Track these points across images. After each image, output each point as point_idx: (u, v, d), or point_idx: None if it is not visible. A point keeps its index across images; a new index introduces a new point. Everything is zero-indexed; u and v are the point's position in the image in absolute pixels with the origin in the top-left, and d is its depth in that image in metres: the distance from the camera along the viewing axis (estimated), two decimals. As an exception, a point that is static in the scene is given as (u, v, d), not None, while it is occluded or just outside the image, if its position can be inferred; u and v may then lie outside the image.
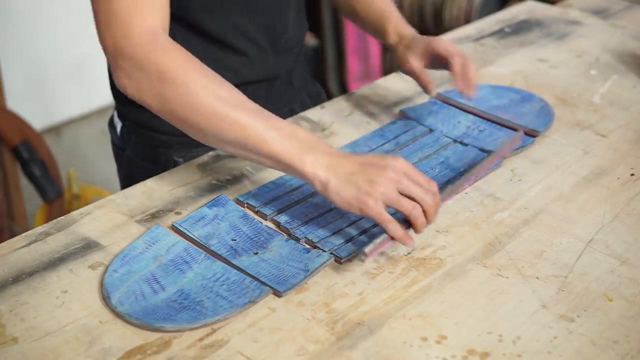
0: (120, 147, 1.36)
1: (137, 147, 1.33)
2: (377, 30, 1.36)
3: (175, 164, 1.29)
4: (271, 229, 1.07)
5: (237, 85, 1.11)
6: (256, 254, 1.02)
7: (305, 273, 0.98)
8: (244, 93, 1.07)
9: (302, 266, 0.99)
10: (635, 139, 1.30)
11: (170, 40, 1.03)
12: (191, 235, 1.04)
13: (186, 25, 1.21)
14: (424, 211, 0.97)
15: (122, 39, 1.01)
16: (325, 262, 1.00)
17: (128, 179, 1.33)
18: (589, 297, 0.96)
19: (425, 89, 1.29)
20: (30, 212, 2.74)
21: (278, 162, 0.99)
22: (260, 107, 1.01)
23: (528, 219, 1.10)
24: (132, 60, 1.00)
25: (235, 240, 1.04)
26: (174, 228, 1.06)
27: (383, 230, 1.05)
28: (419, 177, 0.97)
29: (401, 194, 0.96)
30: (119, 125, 1.35)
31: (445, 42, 1.26)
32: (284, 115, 1.36)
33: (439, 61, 1.27)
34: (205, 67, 1.02)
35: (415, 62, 1.28)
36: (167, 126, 1.28)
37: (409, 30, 1.32)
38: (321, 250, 1.02)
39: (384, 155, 0.99)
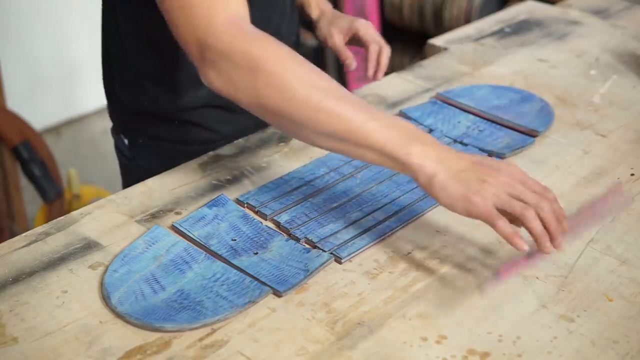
0: (129, 157, 1.35)
1: (150, 157, 1.33)
2: (302, 5, 1.42)
3: None
4: (271, 229, 1.07)
5: None
6: (256, 254, 1.02)
7: (305, 273, 0.98)
8: None
9: (302, 266, 0.99)
10: (635, 139, 1.30)
11: (255, 28, 0.97)
12: (191, 235, 1.04)
13: None
14: (542, 220, 0.89)
15: (206, 31, 0.95)
16: (325, 262, 1.00)
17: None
18: (589, 297, 0.96)
19: (346, 64, 1.36)
20: (30, 212, 2.74)
21: (380, 154, 0.91)
22: (360, 99, 0.95)
23: (528, 219, 1.10)
24: (220, 52, 0.94)
25: (235, 240, 1.04)
26: (174, 228, 1.06)
27: (384, 231, 1.05)
28: (534, 184, 0.91)
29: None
30: (125, 140, 1.34)
31: (368, 25, 1.34)
32: None
33: (357, 42, 1.37)
34: (298, 55, 0.95)
35: (338, 38, 1.37)
36: (191, 137, 1.29)
37: (329, 7, 1.42)
38: (321, 250, 1.02)
39: (498, 160, 0.94)
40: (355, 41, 1.38)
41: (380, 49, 1.35)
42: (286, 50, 0.95)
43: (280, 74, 0.92)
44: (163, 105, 1.27)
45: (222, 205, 1.10)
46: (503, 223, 0.88)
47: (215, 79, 0.95)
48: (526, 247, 0.88)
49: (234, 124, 1.31)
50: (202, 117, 1.28)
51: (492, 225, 0.89)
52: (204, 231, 1.05)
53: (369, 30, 1.36)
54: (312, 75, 0.93)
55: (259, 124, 1.31)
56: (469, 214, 0.89)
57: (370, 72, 1.34)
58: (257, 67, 0.92)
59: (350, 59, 1.35)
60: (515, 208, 0.88)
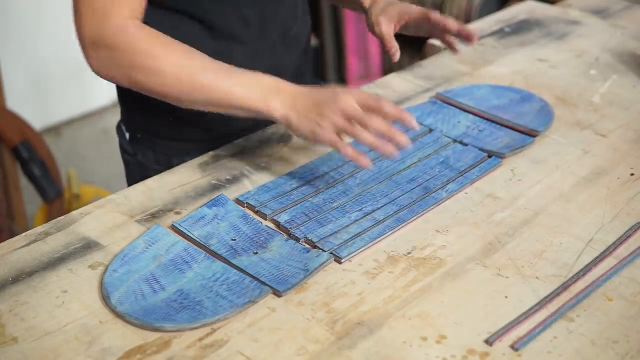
0: (131, 154, 1.35)
1: (148, 154, 1.33)
2: None
3: None
4: (271, 229, 1.07)
5: None
6: (256, 254, 1.02)
7: (305, 273, 0.98)
8: None
9: (302, 266, 0.99)
10: (635, 139, 1.30)
11: (142, 27, 1.10)
12: (191, 235, 1.04)
13: (195, 20, 1.21)
14: (377, 131, 1.05)
15: (100, 25, 1.08)
16: (325, 262, 1.00)
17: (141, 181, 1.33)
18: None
19: (391, 54, 1.31)
20: (30, 212, 2.74)
21: (248, 112, 1.09)
22: (224, 64, 1.10)
23: (528, 219, 1.10)
24: (106, 50, 1.09)
25: (235, 240, 1.04)
26: (174, 228, 1.06)
27: (384, 231, 1.05)
28: (367, 101, 1.05)
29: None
30: (128, 134, 1.35)
31: (422, 8, 1.29)
32: None
33: (414, 26, 1.31)
34: (172, 41, 1.10)
35: (386, 27, 1.31)
36: (185, 134, 1.29)
37: None
38: (321, 250, 1.02)
39: (336, 89, 1.07)
40: (413, 25, 1.32)
41: (437, 15, 1.28)
42: (161, 43, 1.09)
43: (156, 68, 1.08)
44: (157, 99, 1.27)
45: (222, 205, 1.10)
46: (344, 146, 1.06)
47: (99, 68, 1.11)
48: (371, 165, 1.07)
49: (229, 124, 1.30)
50: (197, 115, 1.28)
51: (338, 150, 1.07)
52: (204, 231, 1.05)
53: (424, 10, 1.29)
54: (180, 58, 1.09)
55: (257, 125, 1.31)
56: (320, 143, 1.08)
57: (455, 30, 1.28)
58: (135, 66, 1.08)
59: (395, 49, 1.30)
60: (349, 132, 1.06)
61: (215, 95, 1.09)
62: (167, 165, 1.30)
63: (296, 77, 1.37)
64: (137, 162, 1.35)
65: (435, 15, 1.27)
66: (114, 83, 1.14)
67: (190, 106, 1.12)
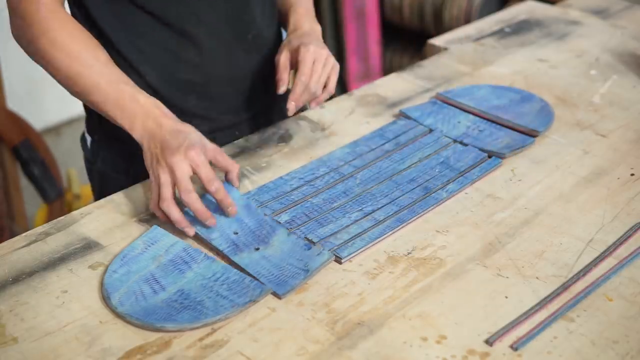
0: (92, 162, 1.35)
1: (107, 160, 1.32)
2: (284, 21, 1.36)
3: (145, 176, 1.27)
4: (274, 220, 1.07)
5: (199, 83, 1.19)
6: (257, 249, 1.02)
7: (305, 274, 0.98)
8: (207, 91, 1.20)
9: (302, 265, 0.99)
10: (635, 139, 1.30)
11: (56, 10, 1.13)
12: (195, 229, 1.04)
13: (147, 13, 1.19)
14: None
15: (29, 5, 1.12)
16: (325, 262, 1.00)
17: (101, 193, 1.31)
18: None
19: (277, 85, 1.25)
20: (30, 212, 2.74)
21: (116, 123, 1.11)
22: (117, 71, 1.13)
23: (528, 219, 1.10)
24: (18, 19, 1.14)
25: (237, 233, 1.04)
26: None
27: (384, 231, 1.05)
28: (200, 173, 1.04)
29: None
30: (89, 139, 1.34)
31: (309, 54, 1.23)
32: (260, 125, 1.34)
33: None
34: (80, 33, 1.14)
35: (283, 56, 1.26)
36: (130, 136, 1.28)
37: (308, 25, 1.30)
38: (322, 248, 1.02)
39: (188, 144, 1.04)
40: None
41: (302, 77, 1.23)
42: (66, 31, 1.12)
43: (50, 53, 1.12)
44: None
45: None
46: (169, 207, 1.03)
47: (15, 34, 1.17)
48: (191, 232, 1.04)
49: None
50: None
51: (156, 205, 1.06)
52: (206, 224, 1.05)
53: (306, 59, 1.23)
54: (77, 52, 1.12)
55: (219, 128, 1.30)
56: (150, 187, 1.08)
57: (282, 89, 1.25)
58: (36, 41, 1.13)
59: (282, 82, 1.24)
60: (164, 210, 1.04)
61: (92, 97, 1.11)
62: (124, 172, 1.29)
63: (264, 87, 1.33)
64: (97, 171, 1.34)
65: (300, 75, 1.22)
66: (27, 52, 1.18)
67: (74, 95, 1.16)
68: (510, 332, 0.90)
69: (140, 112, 1.09)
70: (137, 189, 1.16)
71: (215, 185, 1.04)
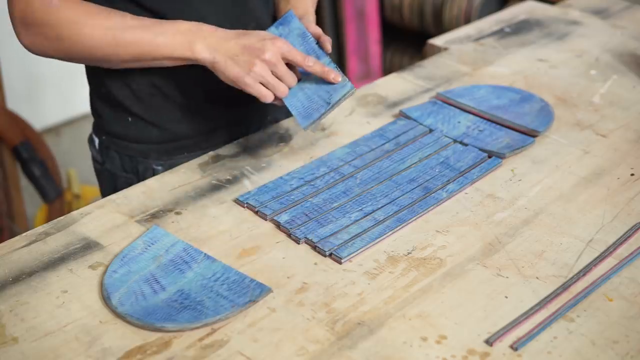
0: (100, 162, 1.35)
1: (115, 159, 1.32)
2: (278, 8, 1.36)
3: (154, 172, 1.28)
4: (321, 50, 1.16)
5: (201, 78, 1.18)
6: (298, 80, 1.13)
7: (327, 106, 1.11)
8: (214, 90, 1.22)
9: (327, 97, 1.10)
10: (635, 139, 1.30)
11: (64, 1, 1.12)
12: None
13: (149, 13, 1.19)
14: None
15: (26, 8, 1.12)
16: (346, 94, 1.10)
17: (111, 193, 1.31)
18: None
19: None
20: (30, 212, 2.74)
21: (174, 59, 1.13)
22: (147, 19, 1.14)
23: (528, 219, 1.10)
24: (35, 27, 1.13)
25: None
26: None
27: (384, 231, 1.05)
28: (295, 56, 1.11)
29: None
30: (96, 140, 1.35)
31: (317, 30, 1.24)
32: (266, 124, 1.35)
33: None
34: (95, 6, 1.13)
35: None
36: (144, 135, 1.29)
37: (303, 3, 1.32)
38: (345, 80, 1.12)
39: (263, 36, 1.11)
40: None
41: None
42: (83, 9, 1.12)
43: (78, 34, 1.12)
44: (114, 91, 1.26)
45: (287, 24, 1.16)
46: (269, 96, 1.11)
47: (31, 45, 1.15)
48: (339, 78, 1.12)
49: (188, 124, 1.29)
50: (152, 112, 1.27)
51: (262, 99, 1.12)
52: None
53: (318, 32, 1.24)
54: (101, 20, 1.12)
55: (215, 129, 1.30)
56: (245, 90, 1.12)
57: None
58: (62, 36, 1.12)
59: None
60: (270, 84, 1.11)
61: (140, 49, 1.12)
62: (134, 171, 1.30)
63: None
64: (106, 171, 1.34)
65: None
66: (47, 57, 1.18)
67: (121, 65, 1.16)
68: (510, 332, 0.90)
69: (192, 36, 1.11)
70: (137, 189, 1.16)
71: (311, 60, 1.12)
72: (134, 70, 1.22)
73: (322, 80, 1.14)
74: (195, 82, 1.25)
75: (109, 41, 1.12)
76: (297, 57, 1.11)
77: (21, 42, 1.16)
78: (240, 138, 1.29)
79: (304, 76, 1.15)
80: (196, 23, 1.13)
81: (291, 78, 1.12)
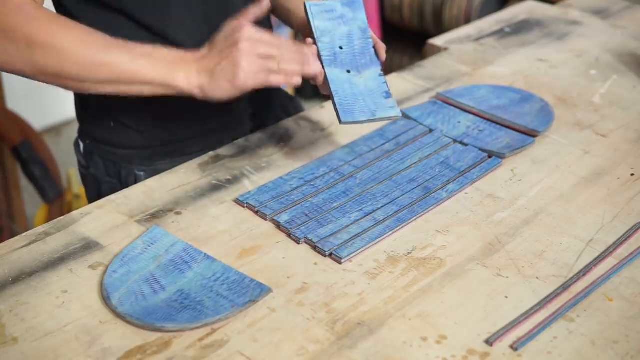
0: (85, 167, 1.35)
1: (99, 164, 1.32)
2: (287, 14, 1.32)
3: (136, 178, 1.27)
4: (375, 55, 1.12)
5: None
6: (349, 72, 1.07)
7: (371, 116, 1.07)
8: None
9: (374, 108, 1.06)
10: (635, 139, 1.30)
11: (38, 7, 1.05)
12: (312, 22, 1.09)
13: (124, 16, 1.17)
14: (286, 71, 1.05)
15: (10, 16, 1.02)
16: (391, 117, 1.08)
17: (95, 197, 1.30)
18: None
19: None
20: (30, 212, 2.74)
21: (154, 86, 1.05)
22: (127, 42, 1.05)
23: (528, 219, 1.10)
24: (2, 33, 1.02)
25: (342, 48, 1.08)
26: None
27: (384, 231, 1.05)
28: (268, 38, 1.04)
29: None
30: (81, 145, 1.34)
31: None
32: (249, 131, 1.34)
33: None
34: (72, 22, 1.06)
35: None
36: (127, 141, 1.28)
37: None
38: (394, 104, 1.08)
39: (228, 30, 1.04)
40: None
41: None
42: (60, 21, 1.04)
43: (54, 44, 1.02)
44: (98, 99, 1.23)
45: (353, 9, 1.14)
46: (275, 79, 1.05)
47: (9, 65, 1.06)
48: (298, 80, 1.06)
49: (169, 130, 1.28)
50: (134, 118, 1.26)
51: (269, 83, 1.05)
52: (327, 24, 1.09)
53: None
54: (81, 36, 1.04)
55: (206, 132, 1.29)
56: (245, 91, 1.05)
57: None
58: (35, 44, 1.02)
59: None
60: (272, 81, 1.05)
61: (118, 71, 1.04)
62: (116, 176, 1.29)
63: (254, 100, 1.32)
64: (90, 175, 1.34)
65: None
66: (15, 74, 1.08)
67: (94, 87, 1.06)
68: (510, 332, 0.90)
69: (175, 61, 1.05)
70: (137, 189, 1.16)
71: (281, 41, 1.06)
72: None
73: (373, 88, 1.09)
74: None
75: (85, 59, 1.03)
76: (273, 41, 1.04)
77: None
78: (226, 143, 1.27)
79: (355, 73, 1.10)
80: (177, 50, 1.06)
81: (284, 50, 1.05)
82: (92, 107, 1.28)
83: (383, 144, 1.26)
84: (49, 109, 3.33)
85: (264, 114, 1.39)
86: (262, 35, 1.04)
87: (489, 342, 0.89)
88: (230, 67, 1.03)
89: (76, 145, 1.37)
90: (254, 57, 1.03)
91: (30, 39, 1.02)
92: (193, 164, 1.22)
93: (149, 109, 1.25)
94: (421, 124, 1.32)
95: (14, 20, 1.02)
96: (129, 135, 1.27)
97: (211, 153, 1.25)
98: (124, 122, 1.26)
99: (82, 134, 1.34)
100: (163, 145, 1.29)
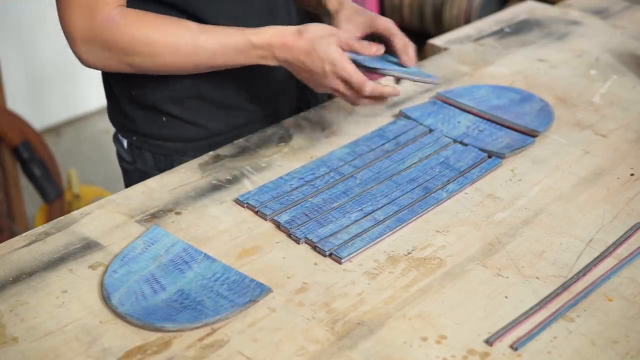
0: (129, 162, 1.35)
1: (147, 159, 1.33)
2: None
3: None
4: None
5: (233, 75, 1.20)
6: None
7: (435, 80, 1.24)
8: (242, 84, 1.24)
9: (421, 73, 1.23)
10: (635, 139, 1.30)
11: (127, 13, 1.13)
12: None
13: (182, 13, 1.20)
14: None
15: (88, 26, 1.11)
16: (429, 81, 1.24)
17: None
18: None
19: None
20: (30, 212, 2.74)
21: (249, 59, 1.16)
22: (218, 27, 1.15)
23: (528, 219, 1.10)
24: (99, 45, 1.13)
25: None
26: None
27: (384, 231, 1.05)
28: (356, 80, 1.14)
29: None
30: (124, 141, 1.34)
31: (388, 22, 1.28)
32: (287, 112, 1.37)
33: (377, 38, 1.30)
34: (159, 18, 1.14)
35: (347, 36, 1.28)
36: (179, 134, 1.29)
37: (348, 1, 1.35)
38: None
39: (330, 56, 1.13)
40: (377, 38, 1.29)
41: (405, 42, 1.26)
42: (149, 23, 1.13)
43: (149, 50, 1.13)
44: (149, 94, 1.26)
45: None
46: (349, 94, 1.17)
47: (94, 62, 1.15)
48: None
49: (221, 120, 1.30)
50: (189, 112, 1.28)
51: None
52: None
53: (391, 27, 1.27)
54: (171, 30, 1.14)
55: (250, 122, 1.31)
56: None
57: (404, 62, 1.27)
58: (129, 52, 1.13)
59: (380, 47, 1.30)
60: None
61: (210, 53, 1.14)
62: (167, 169, 1.29)
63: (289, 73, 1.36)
64: (136, 170, 1.34)
65: (399, 39, 1.26)
66: (107, 71, 1.19)
67: (194, 71, 1.18)
68: (510, 332, 0.90)
69: (263, 52, 1.15)
70: (137, 189, 1.16)
71: (368, 87, 1.15)
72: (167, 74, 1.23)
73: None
74: (234, 79, 1.26)
75: (182, 52, 1.13)
76: (354, 85, 1.14)
77: (80, 58, 1.16)
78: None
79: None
80: (269, 38, 1.15)
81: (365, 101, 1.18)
82: (142, 105, 1.28)
83: (383, 144, 1.26)
84: (49, 109, 3.34)
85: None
86: (352, 76, 1.13)
87: (489, 342, 0.89)
88: (313, 83, 1.16)
89: (116, 140, 1.37)
90: (335, 89, 1.15)
91: (127, 49, 1.13)
92: (193, 163, 1.22)
93: (203, 102, 1.28)
94: (421, 124, 1.32)
95: (109, 32, 1.12)
96: (182, 129, 1.29)
97: (211, 153, 1.25)
98: (178, 116, 1.27)
99: (126, 131, 1.34)
100: (216, 135, 1.30)
